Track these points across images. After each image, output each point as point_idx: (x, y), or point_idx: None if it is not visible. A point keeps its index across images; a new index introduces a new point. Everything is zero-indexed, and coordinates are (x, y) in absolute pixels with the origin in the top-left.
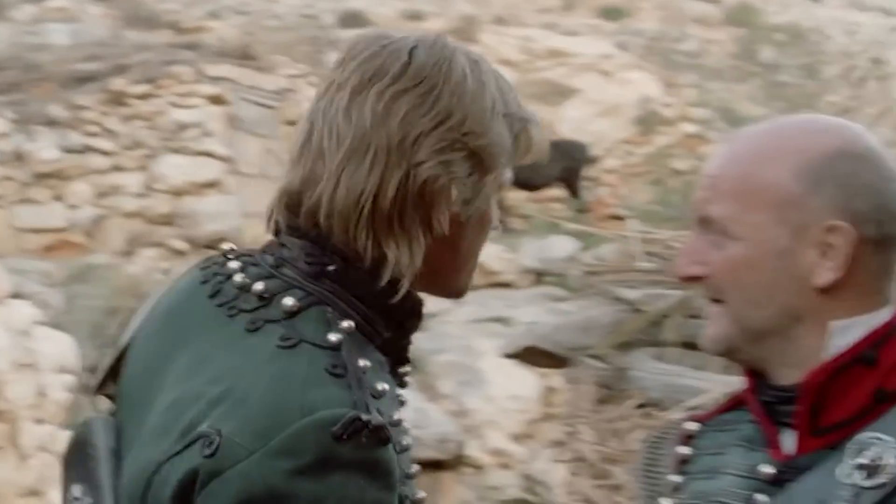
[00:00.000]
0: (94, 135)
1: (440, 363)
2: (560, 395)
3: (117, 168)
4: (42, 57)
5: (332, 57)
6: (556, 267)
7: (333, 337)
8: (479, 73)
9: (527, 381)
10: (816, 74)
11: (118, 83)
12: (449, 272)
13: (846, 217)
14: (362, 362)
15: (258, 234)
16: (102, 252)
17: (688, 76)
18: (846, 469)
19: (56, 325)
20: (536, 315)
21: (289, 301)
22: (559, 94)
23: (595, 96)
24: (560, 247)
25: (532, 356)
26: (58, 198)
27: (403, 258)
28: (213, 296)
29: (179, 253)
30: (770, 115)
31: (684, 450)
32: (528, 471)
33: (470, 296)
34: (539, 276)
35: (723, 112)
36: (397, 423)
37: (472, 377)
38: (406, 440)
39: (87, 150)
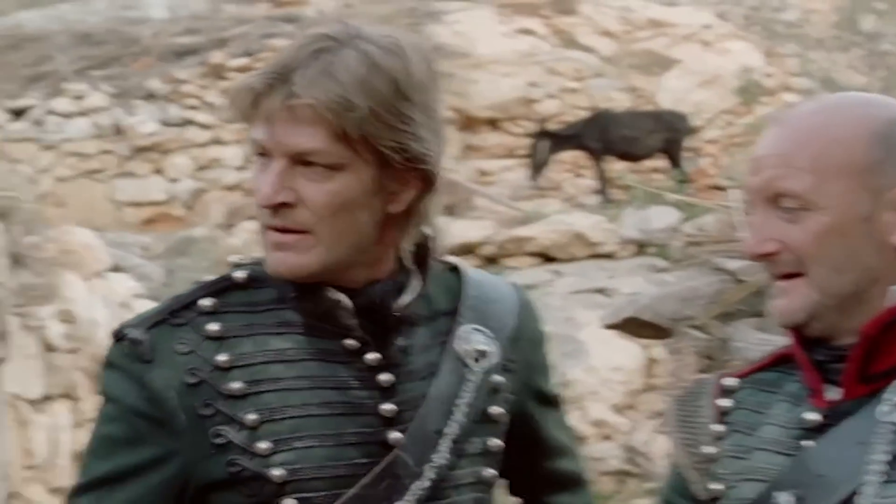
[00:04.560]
0: (193, 108)
1: None
2: (662, 365)
3: (216, 141)
4: (140, 31)
5: (431, 28)
6: (658, 237)
7: (209, 278)
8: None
9: (629, 352)
10: None
11: (217, 56)
12: None
13: None
14: (206, 302)
15: None
16: (202, 225)
17: (789, 46)
18: (885, 408)
19: (156, 298)
20: (638, 286)
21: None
22: (659, 64)
23: (695, 66)
24: (661, 217)
25: (633, 327)
26: (157, 171)
27: None
28: None
29: None
30: (871, 84)
31: (725, 402)
32: (629, 442)
33: (571, 266)
34: (640, 247)
35: (824, 82)
36: (220, 367)
37: (573, 348)
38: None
39: (187, 123)
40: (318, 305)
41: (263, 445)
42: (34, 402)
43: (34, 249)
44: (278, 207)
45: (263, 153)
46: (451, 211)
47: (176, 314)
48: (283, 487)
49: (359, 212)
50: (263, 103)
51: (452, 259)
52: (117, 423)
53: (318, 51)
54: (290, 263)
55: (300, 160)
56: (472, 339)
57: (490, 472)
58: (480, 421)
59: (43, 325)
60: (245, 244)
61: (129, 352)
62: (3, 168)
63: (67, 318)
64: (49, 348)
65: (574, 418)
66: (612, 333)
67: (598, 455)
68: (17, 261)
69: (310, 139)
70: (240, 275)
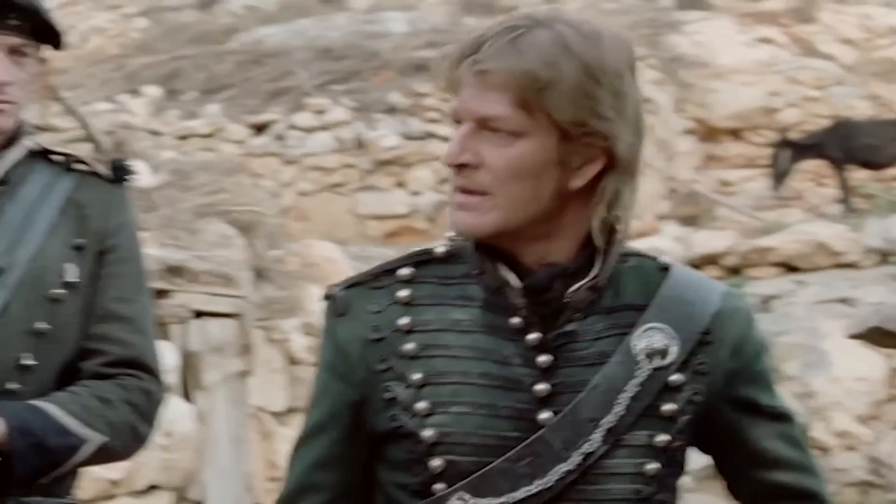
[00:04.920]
0: (434, 121)
1: (784, 345)
2: None
3: None
4: (381, 45)
5: (671, 39)
6: None
7: (417, 249)
8: None
9: (872, 362)
10: None
11: None
12: None
13: None
14: (404, 271)
15: None
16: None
17: None
18: None
19: None
20: (882, 295)
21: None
22: None
23: None
24: None
25: (878, 337)
26: (399, 184)
27: None
28: None
29: None
30: None
31: None
32: (873, 453)
33: (814, 276)
34: (884, 256)
35: None
36: (401, 329)
37: (816, 358)
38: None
39: (428, 136)
40: (493, 282)
41: (422, 406)
42: (278, 415)
43: (277, 263)
44: (462, 168)
45: (458, 119)
46: (693, 221)
47: (377, 278)
48: (432, 448)
49: (537, 180)
50: (456, 70)
51: (667, 258)
52: (318, 380)
53: (513, 27)
54: (469, 223)
55: (485, 125)
56: (651, 336)
57: (653, 466)
58: (648, 416)
59: (287, 338)
60: None
61: (330, 307)
62: (246, 183)
63: (311, 331)
64: (293, 361)
65: (817, 429)
66: (855, 343)
67: (841, 466)
68: (261, 274)
69: (493, 106)
70: (440, 249)
